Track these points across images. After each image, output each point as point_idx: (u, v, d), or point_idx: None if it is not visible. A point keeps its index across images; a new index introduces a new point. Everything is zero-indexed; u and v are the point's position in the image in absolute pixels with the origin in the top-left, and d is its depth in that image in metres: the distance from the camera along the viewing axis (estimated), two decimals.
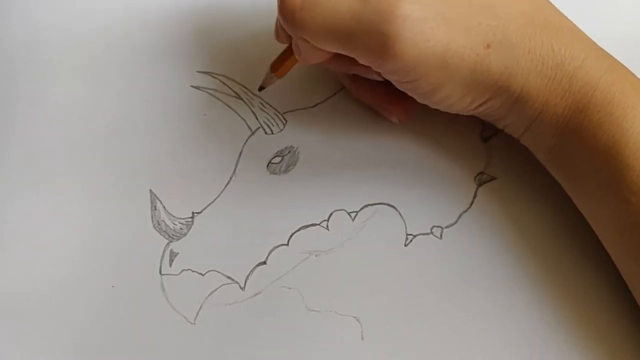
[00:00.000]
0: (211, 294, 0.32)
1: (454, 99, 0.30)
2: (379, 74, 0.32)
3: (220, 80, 0.37)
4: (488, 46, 0.29)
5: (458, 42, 0.28)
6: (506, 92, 0.30)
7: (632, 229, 0.29)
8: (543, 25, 0.30)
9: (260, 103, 0.36)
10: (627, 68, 0.31)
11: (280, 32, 0.32)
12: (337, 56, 0.31)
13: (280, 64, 0.34)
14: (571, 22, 0.31)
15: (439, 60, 0.28)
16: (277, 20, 0.32)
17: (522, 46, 0.29)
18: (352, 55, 0.29)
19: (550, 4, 0.31)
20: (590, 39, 0.31)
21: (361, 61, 0.30)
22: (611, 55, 0.31)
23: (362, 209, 0.34)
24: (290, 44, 0.33)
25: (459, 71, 0.29)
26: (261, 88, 0.36)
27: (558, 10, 0.31)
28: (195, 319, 0.32)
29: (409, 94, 0.31)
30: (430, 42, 0.28)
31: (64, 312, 0.32)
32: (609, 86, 0.29)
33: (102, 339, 0.32)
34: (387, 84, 0.33)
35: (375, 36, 0.28)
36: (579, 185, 0.31)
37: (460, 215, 0.34)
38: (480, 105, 0.31)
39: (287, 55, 0.34)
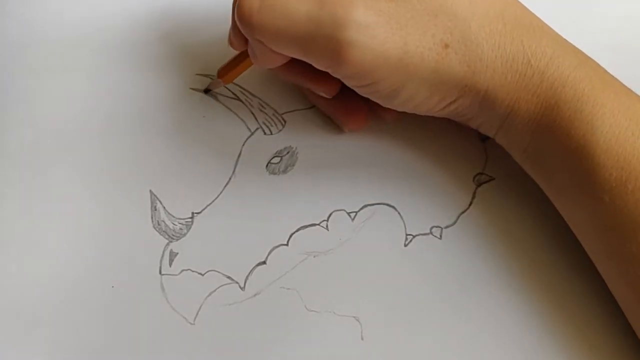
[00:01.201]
0: (211, 294, 0.32)
1: (418, 100, 0.30)
2: (325, 91, 0.33)
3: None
4: (446, 46, 0.29)
5: (415, 44, 0.29)
6: (473, 90, 0.30)
7: (607, 229, 0.29)
8: (513, 22, 0.30)
9: (259, 104, 0.36)
10: (598, 64, 0.30)
11: (234, 39, 0.32)
12: (290, 66, 0.32)
13: (228, 70, 0.35)
14: (540, 19, 0.31)
15: (397, 62, 0.29)
16: (231, 27, 0.32)
17: (489, 43, 0.29)
18: (308, 60, 0.30)
19: (519, 2, 0.31)
20: (560, 36, 0.31)
21: (318, 66, 0.30)
22: (582, 52, 0.31)
23: (361, 209, 0.34)
24: (239, 54, 0.34)
25: (419, 71, 0.29)
26: (207, 91, 0.37)
27: (527, 9, 0.31)
28: (194, 319, 0.32)
29: (371, 98, 0.31)
30: (385, 46, 0.28)
31: (63, 312, 0.32)
32: (579, 82, 0.29)
33: (102, 339, 0.32)
34: (339, 94, 0.33)
35: (331, 41, 0.28)
36: (554, 185, 0.31)
37: (459, 216, 0.34)
38: (449, 104, 0.31)
39: (235, 63, 0.34)
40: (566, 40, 0.31)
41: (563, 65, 0.29)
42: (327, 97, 0.34)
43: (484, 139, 0.36)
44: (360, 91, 0.31)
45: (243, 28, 0.29)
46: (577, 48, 0.31)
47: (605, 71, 0.30)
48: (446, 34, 0.29)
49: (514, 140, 0.31)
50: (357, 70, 0.29)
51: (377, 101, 0.32)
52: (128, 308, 0.32)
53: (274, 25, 0.29)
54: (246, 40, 0.32)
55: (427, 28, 0.29)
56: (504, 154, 0.35)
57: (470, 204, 0.34)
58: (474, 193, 0.35)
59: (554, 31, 0.31)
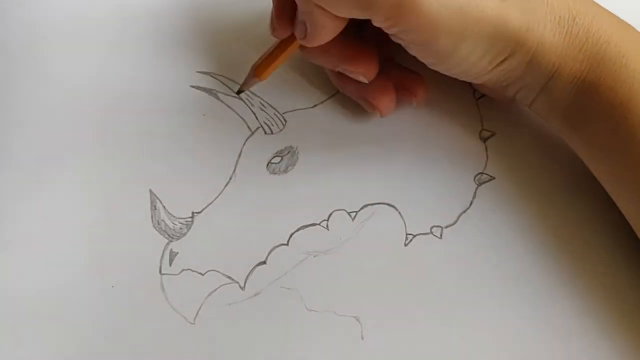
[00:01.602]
0: (211, 294, 0.32)
1: (473, 58, 0.30)
2: (364, 73, 0.32)
3: (220, 81, 0.37)
4: None
5: None
6: (524, 47, 0.30)
7: None
8: None
9: (260, 103, 0.36)
10: (632, 26, 0.31)
11: (277, 23, 0.32)
12: (332, 45, 0.31)
13: (265, 66, 0.34)
14: None
15: (459, 12, 0.28)
16: (273, 12, 0.32)
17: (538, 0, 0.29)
18: (368, 16, 0.29)
19: None
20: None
21: (377, 20, 0.29)
22: (615, 14, 0.31)
23: (361, 208, 0.34)
24: (275, 47, 0.33)
25: (480, 23, 0.29)
26: (240, 91, 0.36)
27: None
28: (194, 318, 0.32)
29: (424, 58, 0.31)
30: None
31: (63, 312, 0.32)
32: (622, 40, 0.30)
33: (102, 338, 0.32)
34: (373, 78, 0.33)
35: None
36: (595, 145, 0.31)
37: (459, 215, 0.34)
38: (498, 65, 0.31)
39: (271, 58, 0.34)
40: (601, 5, 0.31)
41: (606, 24, 0.30)
42: (366, 80, 0.33)
43: (485, 138, 0.36)
44: (416, 48, 0.31)
45: None
46: (611, 12, 0.31)
47: (638, 32, 0.31)
48: None
49: (556, 101, 0.31)
50: (421, 20, 0.28)
51: (429, 61, 0.31)
52: (128, 308, 0.32)
53: None
54: (290, 24, 0.31)
55: None
56: (504, 153, 0.35)
57: (470, 204, 0.34)
58: (475, 193, 0.35)
59: None
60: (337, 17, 0.29)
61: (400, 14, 0.28)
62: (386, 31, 0.30)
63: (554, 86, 0.31)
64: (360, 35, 0.33)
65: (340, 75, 0.35)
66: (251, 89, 0.36)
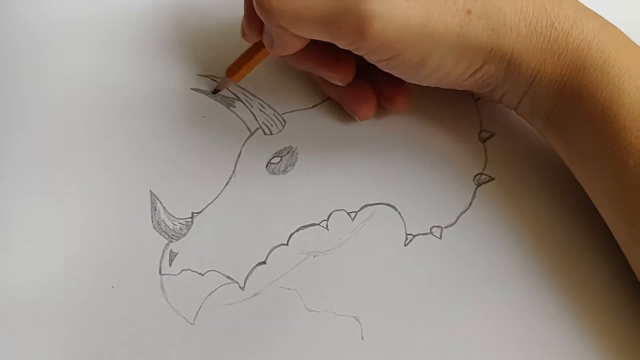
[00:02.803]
0: (211, 294, 0.32)
1: (444, 70, 0.30)
2: (340, 78, 0.33)
3: (219, 84, 0.37)
4: (469, 12, 0.29)
5: (438, 11, 0.28)
6: (498, 54, 0.30)
7: (629, 192, 0.29)
8: None
9: (259, 104, 0.36)
10: (617, 28, 0.31)
11: (247, 30, 0.32)
12: (305, 53, 0.31)
13: (239, 67, 0.35)
14: None
15: (420, 30, 0.28)
16: (243, 18, 0.32)
17: (511, 7, 0.29)
18: (330, 39, 0.29)
19: None
20: (578, 1, 0.31)
21: (340, 44, 0.30)
22: (600, 15, 0.31)
23: (361, 209, 0.34)
24: (248, 49, 0.34)
25: (444, 38, 0.29)
26: (216, 91, 0.37)
27: None
28: (194, 319, 0.32)
29: (395, 73, 0.31)
30: (408, 13, 0.28)
31: (63, 312, 0.32)
32: (604, 45, 0.29)
33: (101, 338, 0.32)
34: (355, 83, 0.33)
35: (352, 15, 0.28)
36: (577, 150, 0.31)
37: (459, 216, 0.34)
38: (475, 72, 0.31)
39: (246, 58, 0.34)
40: (585, 6, 0.31)
41: (587, 28, 0.29)
42: (342, 84, 0.34)
43: (484, 139, 0.36)
44: (384, 66, 0.31)
45: (263, 14, 0.29)
46: (593, 11, 0.31)
47: (626, 36, 0.31)
48: (468, 0, 0.29)
49: (538, 106, 0.31)
50: (381, 42, 0.28)
51: (402, 76, 0.31)
52: (128, 308, 0.32)
53: (294, 7, 0.28)
54: (260, 31, 0.32)
55: None
56: (503, 154, 0.35)
57: (470, 204, 0.34)
58: (474, 193, 0.35)
59: None
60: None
61: (361, 35, 0.28)
62: (353, 52, 0.30)
63: (534, 91, 0.31)
64: None
65: (323, 79, 0.35)
66: (251, 89, 0.36)
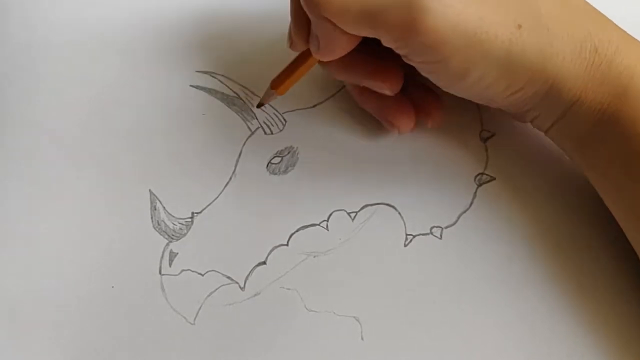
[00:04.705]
0: (211, 294, 0.32)
1: (488, 81, 0.29)
2: (389, 87, 0.32)
3: (219, 80, 0.37)
4: (519, 26, 0.28)
5: (490, 18, 0.27)
6: (541, 78, 0.29)
7: None
8: (577, 10, 0.29)
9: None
10: None
11: (295, 35, 0.31)
12: (351, 60, 0.31)
13: (282, 81, 0.34)
14: (599, 10, 0.30)
15: (471, 35, 0.27)
16: (291, 27, 0.31)
17: (557, 28, 0.29)
18: (376, 35, 0.28)
19: None
20: (620, 27, 0.30)
21: (386, 40, 0.28)
22: (638, 40, 0.30)
23: (361, 209, 0.34)
24: (292, 61, 0.33)
25: (493, 50, 0.28)
26: (260, 104, 0.36)
27: None
28: (194, 319, 0.32)
29: (435, 80, 0.30)
30: (461, 15, 0.27)
31: (63, 312, 0.32)
32: None
33: (102, 339, 0.32)
34: (393, 96, 0.33)
35: (403, 9, 0.27)
36: (608, 175, 0.30)
37: (459, 216, 0.34)
38: (514, 93, 0.30)
39: (289, 72, 0.33)
40: (626, 31, 0.30)
41: (630, 56, 0.29)
42: (390, 94, 0.33)
43: (485, 139, 0.35)
44: (425, 69, 0.30)
45: (308, 7, 0.28)
46: (633, 37, 0.30)
47: None
48: (519, 13, 0.28)
49: (573, 129, 0.31)
50: (430, 41, 0.27)
51: (440, 83, 0.30)
52: (128, 308, 0.32)
53: None
54: (307, 39, 0.31)
55: (501, 5, 0.28)
56: (504, 154, 0.35)
57: (470, 204, 0.34)
58: (475, 193, 0.35)
59: (613, 22, 0.30)
60: (347, 32, 0.29)
61: (410, 31, 0.27)
62: (397, 52, 0.29)
63: (572, 116, 0.30)
64: (383, 49, 0.32)
65: (362, 91, 0.34)
66: (252, 88, 0.36)
